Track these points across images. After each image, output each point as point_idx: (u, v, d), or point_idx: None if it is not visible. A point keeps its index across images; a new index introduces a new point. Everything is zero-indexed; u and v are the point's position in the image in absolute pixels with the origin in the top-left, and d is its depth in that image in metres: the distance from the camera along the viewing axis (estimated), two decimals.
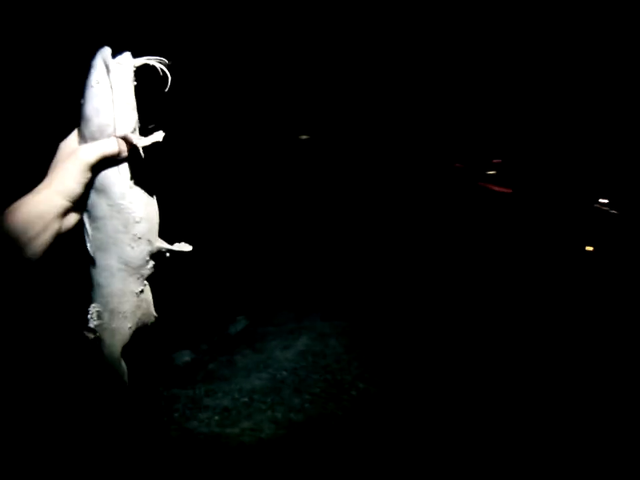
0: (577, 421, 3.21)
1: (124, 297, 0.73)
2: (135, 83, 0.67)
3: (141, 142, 0.65)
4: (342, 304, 4.78)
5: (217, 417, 2.98)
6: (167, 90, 0.68)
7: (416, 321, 4.68)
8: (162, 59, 0.67)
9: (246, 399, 3.14)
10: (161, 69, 0.67)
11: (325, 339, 3.85)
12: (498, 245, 10.13)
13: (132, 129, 0.66)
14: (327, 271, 5.78)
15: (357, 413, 3.17)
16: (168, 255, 0.75)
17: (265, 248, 6.37)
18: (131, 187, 0.67)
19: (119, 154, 0.65)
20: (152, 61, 0.67)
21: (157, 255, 0.74)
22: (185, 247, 0.76)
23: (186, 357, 4.07)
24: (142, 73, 0.68)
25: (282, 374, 3.37)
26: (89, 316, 0.73)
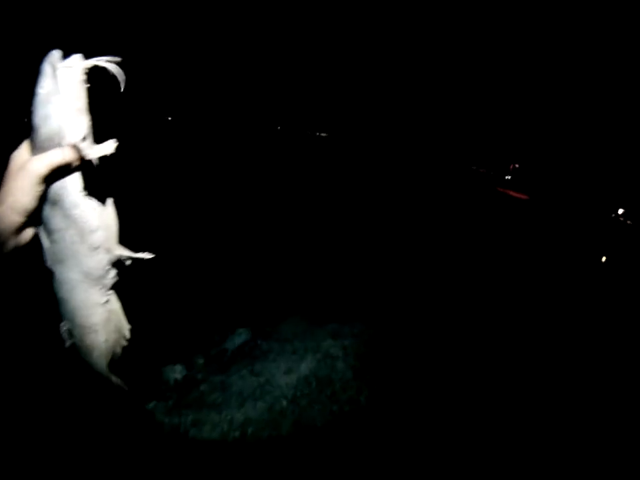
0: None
1: (89, 309, 0.72)
2: (88, 85, 0.64)
3: (91, 153, 0.64)
4: (352, 319, 4.33)
5: (201, 455, 2.56)
6: (122, 90, 0.65)
7: (434, 340, 4.22)
8: (114, 57, 0.64)
9: (237, 433, 2.71)
10: (113, 69, 0.64)
11: (332, 362, 3.40)
12: (512, 251, 9.79)
13: (82, 136, 0.63)
14: (338, 281, 5.34)
15: (366, 454, 2.72)
16: (129, 262, 0.74)
17: (275, 255, 5.99)
18: (83, 196, 0.65)
19: (70, 163, 0.63)
20: (102, 61, 0.63)
21: (118, 264, 0.73)
22: (146, 254, 0.74)
23: (177, 373, 3.67)
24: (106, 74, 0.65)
25: (281, 403, 2.92)
26: (62, 335, 0.73)
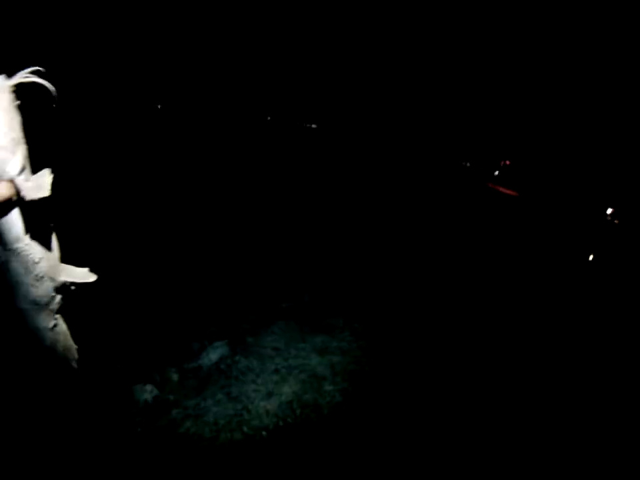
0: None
1: (39, 334, 0.74)
2: (18, 102, 0.66)
3: (29, 191, 0.67)
4: (341, 329, 4.03)
5: None
6: (55, 103, 0.68)
7: (430, 353, 3.95)
8: (38, 68, 0.67)
9: (211, 470, 2.39)
10: (43, 82, 0.66)
11: (319, 383, 3.09)
12: (502, 247, 9.65)
13: (19, 169, 0.67)
14: (324, 285, 5.02)
15: None
16: (73, 287, 0.80)
17: (258, 256, 5.65)
18: (25, 229, 0.69)
19: (10, 197, 0.64)
20: (25, 75, 0.65)
21: (63, 289, 0.77)
22: (89, 277, 0.81)
23: (147, 393, 3.32)
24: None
25: (260, 434, 2.61)
26: (14, 362, 0.77)
